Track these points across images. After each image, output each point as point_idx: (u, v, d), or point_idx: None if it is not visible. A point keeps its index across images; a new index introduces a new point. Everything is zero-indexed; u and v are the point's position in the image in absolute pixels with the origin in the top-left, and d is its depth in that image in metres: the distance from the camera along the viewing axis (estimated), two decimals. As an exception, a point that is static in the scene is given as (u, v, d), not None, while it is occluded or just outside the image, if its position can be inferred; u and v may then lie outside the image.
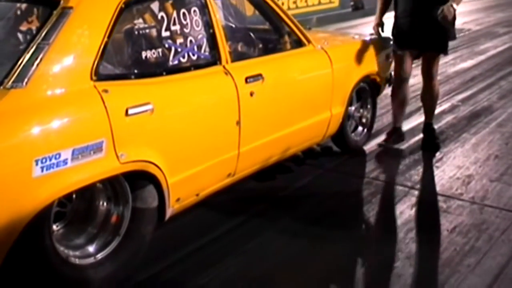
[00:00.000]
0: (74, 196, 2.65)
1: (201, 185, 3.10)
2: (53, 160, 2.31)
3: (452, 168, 4.15)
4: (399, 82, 4.53)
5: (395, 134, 4.65)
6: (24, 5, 3.02)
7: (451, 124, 5.18)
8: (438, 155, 4.41)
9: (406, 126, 4.90)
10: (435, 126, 4.72)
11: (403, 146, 4.61)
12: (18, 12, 3.07)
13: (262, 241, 3.18)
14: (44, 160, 2.28)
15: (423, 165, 4.24)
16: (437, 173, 4.09)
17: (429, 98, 4.55)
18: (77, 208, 2.72)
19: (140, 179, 2.74)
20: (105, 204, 2.76)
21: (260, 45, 3.68)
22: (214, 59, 3.12)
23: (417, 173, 4.08)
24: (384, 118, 5.20)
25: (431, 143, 4.54)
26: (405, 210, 3.53)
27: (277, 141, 3.53)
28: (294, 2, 10.77)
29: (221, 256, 3.02)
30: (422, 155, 4.42)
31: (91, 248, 2.67)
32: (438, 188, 3.83)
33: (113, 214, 2.76)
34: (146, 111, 2.65)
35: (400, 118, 4.69)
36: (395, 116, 4.69)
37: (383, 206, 3.74)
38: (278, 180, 3.91)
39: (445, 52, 4.38)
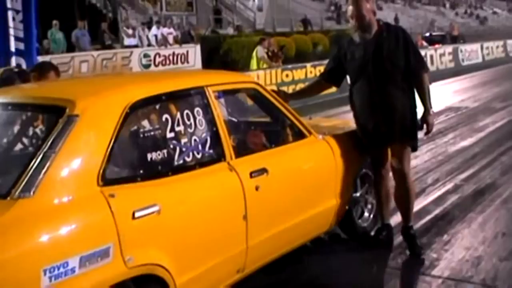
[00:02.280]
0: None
1: (210, 283, 3.05)
2: (61, 269, 2.30)
3: (461, 250, 4.10)
4: (378, 175, 4.20)
5: (385, 231, 4.23)
6: (29, 112, 3.09)
7: (456, 204, 5.17)
8: (445, 237, 4.36)
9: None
10: (439, 209, 4.67)
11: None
12: (23, 119, 3.14)
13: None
14: (52, 270, 2.27)
15: (432, 249, 4.18)
16: (446, 256, 4.03)
17: (403, 198, 4.10)
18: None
19: (148, 282, 2.70)
20: (112, 310, 2.70)
21: (262, 139, 3.74)
22: (219, 156, 3.16)
23: (426, 258, 4.02)
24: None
25: (412, 250, 4.06)
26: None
27: (284, 232, 3.50)
28: (294, 89, 11.07)
29: None
30: (430, 238, 4.37)
31: None
32: (448, 272, 3.76)
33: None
34: (153, 212, 2.66)
35: (386, 214, 4.25)
36: (381, 212, 4.26)
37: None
38: (287, 271, 3.86)
39: (413, 145, 4.02)
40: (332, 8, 32.98)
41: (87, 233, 2.44)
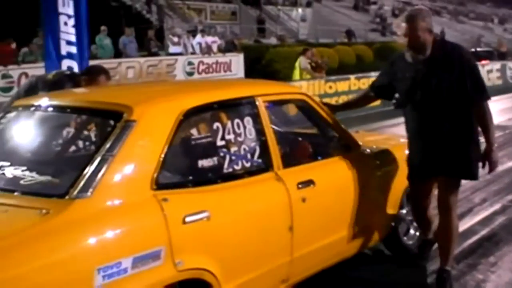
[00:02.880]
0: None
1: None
2: (114, 269, 2.37)
3: (508, 272, 4.03)
4: (416, 211, 3.96)
5: (427, 247, 4.18)
6: (86, 116, 3.19)
7: (504, 225, 5.07)
8: (492, 259, 4.29)
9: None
10: (486, 229, 4.58)
11: (456, 250, 4.50)
12: (80, 122, 3.24)
13: None
14: (106, 269, 2.34)
15: (478, 269, 4.11)
16: (492, 278, 3.96)
17: (444, 236, 3.77)
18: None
19: (195, 286, 2.75)
20: (159, 312, 2.76)
21: (309, 150, 3.76)
22: (267, 166, 3.20)
23: (472, 279, 3.96)
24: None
25: None
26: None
27: (328, 246, 3.51)
28: (336, 101, 11.04)
29: None
30: (476, 259, 4.29)
31: None
32: (494, 295, 3.71)
33: (167, 322, 2.74)
34: (202, 218, 2.71)
35: (428, 230, 4.06)
36: (423, 230, 4.11)
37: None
38: (329, 286, 3.85)
39: (471, 176, 3.69)
40: (377, 19, 32.78)
41: (140, 235, 2.51)
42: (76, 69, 8.37)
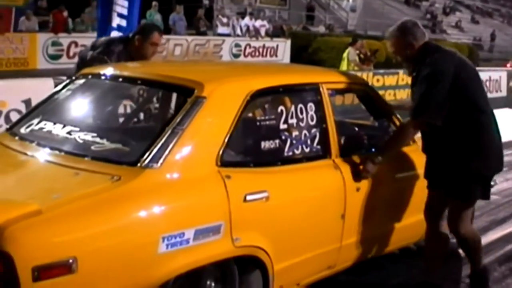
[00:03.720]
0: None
1: (302, 275, 3.14)
2: (178, 239, 2.46)
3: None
4: (429, 222, 3.64)
5: None
6: (157, 90, 3.27)
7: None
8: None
9: (497, 233, 4.80)
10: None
11: (498, 253, 4.48)
12: (150, 94, 3.33)
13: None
14: (170, 238, 2.43)
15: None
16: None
17: (463, 247, 3.67)
18: (185, 284, 2.82)
19: (248, 264, 2.83)
20: (212, 284, 2.84)
21: (366, 141, 3.77)
22: (325, 153, 3.24)
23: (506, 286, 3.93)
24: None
25: None
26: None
27: (377, 237, 3.55)
28: (383, 95, 10.98)
29: None
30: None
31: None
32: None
33: (220, 295, 2.84)
34: (262, 198, 2.78)
35: (437, 268, 3.66)
36: (430, 267, 3.67)
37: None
38: (372, 275, 3.88)
39: (463, 198, 3.42)
40: (428, 16, 32.25)
41: (203, 209, 2.59)
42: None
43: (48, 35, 14.92)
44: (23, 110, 7.48)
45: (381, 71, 13.44)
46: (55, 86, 7.30)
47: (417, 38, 3.48)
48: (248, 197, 2.72)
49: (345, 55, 12.84)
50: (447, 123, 3.30)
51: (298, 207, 3.00)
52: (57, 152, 2.77)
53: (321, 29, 22.89)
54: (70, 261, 2.16)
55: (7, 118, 7.44)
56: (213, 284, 2.84)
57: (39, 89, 7.33)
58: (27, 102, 7.48)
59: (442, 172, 3.43)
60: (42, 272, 2.12)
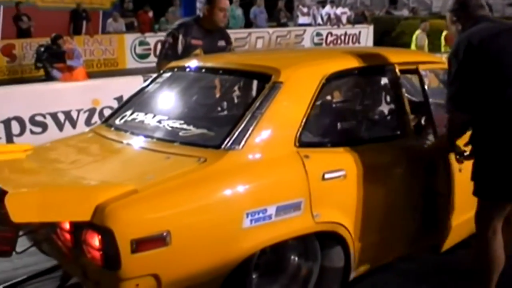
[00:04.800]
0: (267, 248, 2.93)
1: (383, 252, 3.23)
2: (260, 214, 2.63)
3: None
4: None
5: None
6: (236, 77, 3.47)
7: None
8: None
9: None
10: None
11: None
12: (229, 82, 3.53)
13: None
14: (253, 214, 2.61)
15: None
16: None
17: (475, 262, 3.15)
18: (269, 260, 2.99)
19: (329, 240, 2.96)
20: (296, 259, 3.01)
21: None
22: (402, 133, 3.30)
23: None
24: None
25: None
26: None
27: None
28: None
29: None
30: None
31: (283, 298, 2.92)
32: None
33: (303, 269, 2.99)
34: (339, 176, 2.90)
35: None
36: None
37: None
38: (458, 254, 3.88)
39: (477, 194, 2.97)
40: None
41: (284, 187, 2.75)
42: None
43: (135, 35, 15.61)
44: (116, 107, 7.97)
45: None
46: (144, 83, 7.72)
47: (469, 10, 3.05)
48: (326, 175, 2.85)
49: (414, 38, 12.47)
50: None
51: (375, 185, 3.09)
52: (149, 139, 3.03)
53: (405, 12, 22.38)
54: (164, 234, 2.39)
55: (101, 115, 7.94)
56: (296, 259, 3.00)
57: (130, 86, 7.73)
58: (119, 99, 7.95)
59: None
60: (140, 244, 2.35)
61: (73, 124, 7.71)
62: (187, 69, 3.54)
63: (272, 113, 2.83)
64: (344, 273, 3.04)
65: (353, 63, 3.26)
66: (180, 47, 4.45)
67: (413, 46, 12.34)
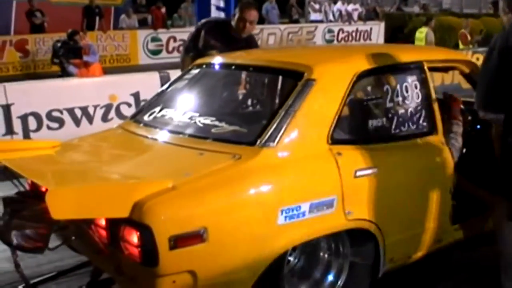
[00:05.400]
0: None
1: (413, 249, 3.23)
2: (295, 211, 2.64)
3: None
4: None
5: None
6: (268, 74, 3.47)
7: None
8: None
9: None
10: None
11: None
12: (260, 79, 3.53)
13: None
14: (287, 211, 2.62)
15: None
16: None
17: None
18: (301, 256, 3.00)
19: (360, 236, 2.96)
20: (326, 255, 3.01)
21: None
22: (431, 130, 3.30)
23: None
24: None
25: None
26: None
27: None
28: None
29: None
30: None
31: (316, 295, 2.93)
32: None
33: (333, 265, 3.00)
34: (371, 174, 2.91)
35: None
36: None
37: None
38: (482, 250, 3.88)
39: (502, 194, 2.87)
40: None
41: (317, 184, 2.76)
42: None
43: (148, 31, 15.62)
44: (132, 103, 7.99)
45: (480, 49, 12.98)
46: (161, 79, 7.73)
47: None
48: (358, 173, 2.85)
49: (422, 35, 12.42)
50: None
51: (407, 182, 3.09)
52: (180, 135, 3.04)
53: (416, 9, 22.28)
54: (202, 231, 2.40)
55: (118, 111, 7.97)
56: (326, 256, 3.01)
57: (146, 82, 7.81)
58: (136, 95, 7.98)
59: None
60: (178, 241, 2.36)
61: (90, 119, 7.75)
62: (216, 66, 3.54)
63: (306, 111, 2.83)
64: (373, 270, 3.05)
65: (384, 60, 3.26)
66: (200, 42, 4.53)
67: (420, 43, 12.30)
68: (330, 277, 2.99)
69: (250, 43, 4.51)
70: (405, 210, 3.10)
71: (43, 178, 2.60)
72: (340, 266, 2.99)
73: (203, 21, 4.76)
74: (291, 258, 2.93)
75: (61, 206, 2.25)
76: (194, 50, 4.46)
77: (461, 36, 13.36)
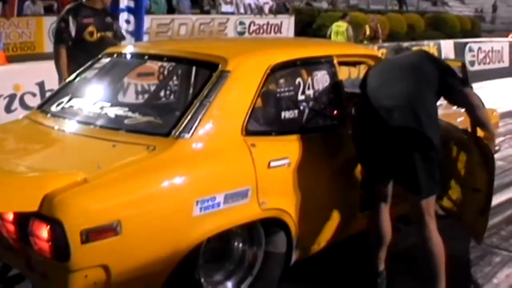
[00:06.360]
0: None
1: (323, 237, 3.34)
2: (210, 202, 2.65)
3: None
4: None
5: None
6: (182, 65, 3.44)
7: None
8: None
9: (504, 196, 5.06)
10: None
11: (505, 214, 4.69)
12: (174, 70, 3.49)
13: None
14: (203, 202, 2.63)
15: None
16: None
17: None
18: (214, 247, 3.02)
19: (273, 226, 3.02)
20: (240, 245, 3.05)
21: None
22: (340, 122, 3.41)
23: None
24: None
25: None
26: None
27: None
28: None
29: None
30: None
31: (229, 284, 2.95)
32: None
33: (248, 255, 3.04)
34: (284, 164, 2.97)
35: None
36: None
37: (490, 270, 3.82)
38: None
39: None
40: (430, -11, 32.04)
41: (231, 175, 2.79)
42: (132, 22, 8.68)
43: (54, 18, 14.97)
44: (37, 92, 7.66)
45: (386, 44, 13.54)
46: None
47: None
48: (272, 163, 2.91)
49: (342, 29, 12.79)
50: None
51: (317, 173, 3.19)
52: (91, 126, 2.96)
53: (324, 4, 22.89)
54: (115, 224, 2.36)
55: (22, 101, 7.61)
56: (241, 245, 3.05)
57: (52, 71, 7.48)
58: (41, 84, 7.65)
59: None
60: (90, 234, 2.30)
61: (-8, 110, 7.36)
62: (128, 55, 3.47)
63: (220, 102, 2.84)
64: (286, 259, 3.12)
65: (297, 53, 3.33)
66: (73, 28, 4.81)
67: (340, 37, 12.63)
68: (245, 267, 3.03)
69: (108, 13, 5.08)
70: (316, 200, 3.19)
71: None
72: (254, 255, 3.04)
73: (63, 11, 5.05)
74: (205, 249, 2.94)
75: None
76: (70, 39, 4.82)
77: (363, 31, 13.83)
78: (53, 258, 2.31)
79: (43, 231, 2.29)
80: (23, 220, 2.36)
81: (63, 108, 3.26)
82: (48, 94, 7.13)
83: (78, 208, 2.32)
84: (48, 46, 14.75)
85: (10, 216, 2.42)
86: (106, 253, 2.38)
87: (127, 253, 2.45)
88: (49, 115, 3.24)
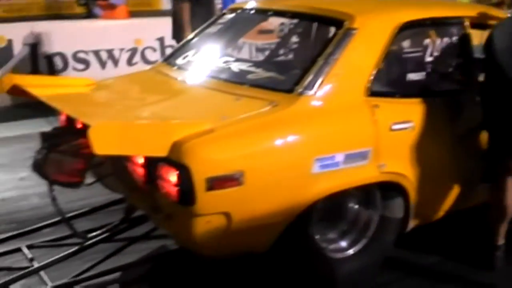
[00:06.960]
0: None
1: (441, 206, 3.24)
2: (329, 161, 2.64)
3: None
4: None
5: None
6: (308, 22, 3.41)
7: None
8: None
9: None
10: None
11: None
12: (299, 26, 3.47)
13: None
14: (322, 160, 2.62)
15: None
16: None
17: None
18: (330, 205, 3.01)
19: (391, 190, 2.97)
20: (355, 206, 3.03)
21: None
22: (468, 88, 3.25)
23: None
24: None
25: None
26: None
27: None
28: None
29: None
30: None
31: (343, 243, 2.96)
32: None
33: (363, 216, 3.02)
34: (407, 128, 2.89)
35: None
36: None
37: None
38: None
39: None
40: None
41: (352, 135, 2.75)
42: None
43: (171, -23, 15.35)
44: (157, 48, 7.96)
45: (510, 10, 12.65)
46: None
47: None
48: (394, 126, 2.84)
49: None
50: None
51: (440, 139, 3.07)
52: (215, 80, 3.03)
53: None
54: (238, 174, 2.42)
55: (143, 55, 7.94)
56: (355, 207, 3.03)
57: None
58: (161, 40, 7.93)
59: None
60: (214, 182, 2.38)
61: (115, 62, 7.75)
62: (252, 11, 3.49)
63: (345, 60, 2.80)
64: (402, 225, 3.06)
65: (426, 13, 3.18)
66: None
67: None
68: (359, 228, 3.01)
69: None
70: (437, 167, 3.08)
71: (83, 115, 2.61)
72: (369, 218, 3.01)
73: None
74: (320, 207, 2.95)
75: (103, 142, 2.25)
76: None
77: None
78: (179, 202, 2.42)
79: (171, 176, 2.40)
80: (153, 164, 2.48)
81: (188, 61, 3.36)
82: (167, 50, 7.42)
83: (205, 156, 2.40)
84: (165, 3, 15.20)
85: (140, 160, 2.55)
86: (229, 201, 2.46)
87: (248, 203, 2.51)
88: (175, 67, 3.36)
